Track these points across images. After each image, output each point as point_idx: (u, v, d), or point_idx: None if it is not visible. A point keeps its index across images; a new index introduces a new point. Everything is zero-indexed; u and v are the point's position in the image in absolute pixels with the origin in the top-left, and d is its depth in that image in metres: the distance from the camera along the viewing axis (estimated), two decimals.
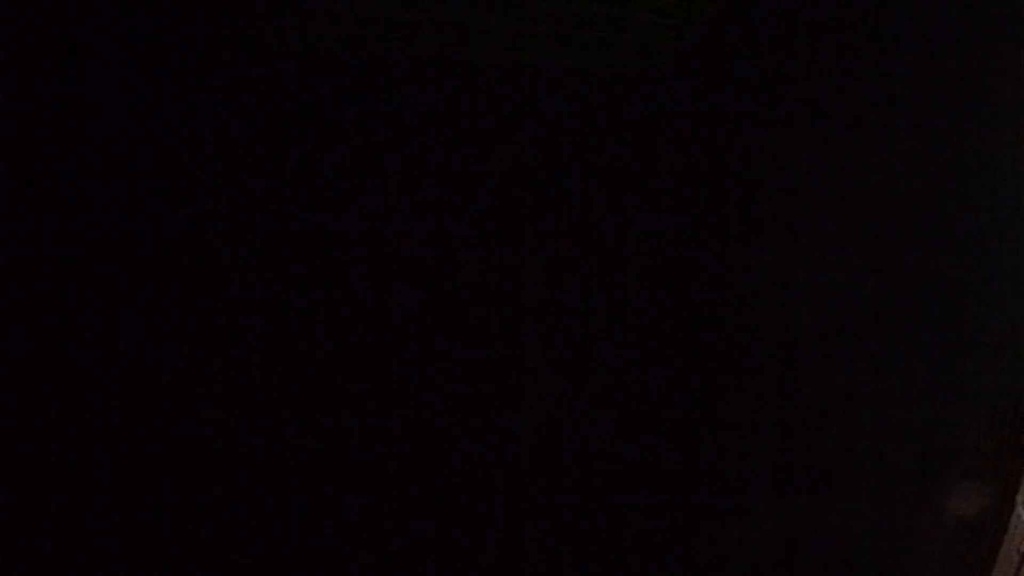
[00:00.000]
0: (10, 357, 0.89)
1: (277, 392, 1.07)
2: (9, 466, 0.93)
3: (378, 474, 1.14)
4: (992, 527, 1.72)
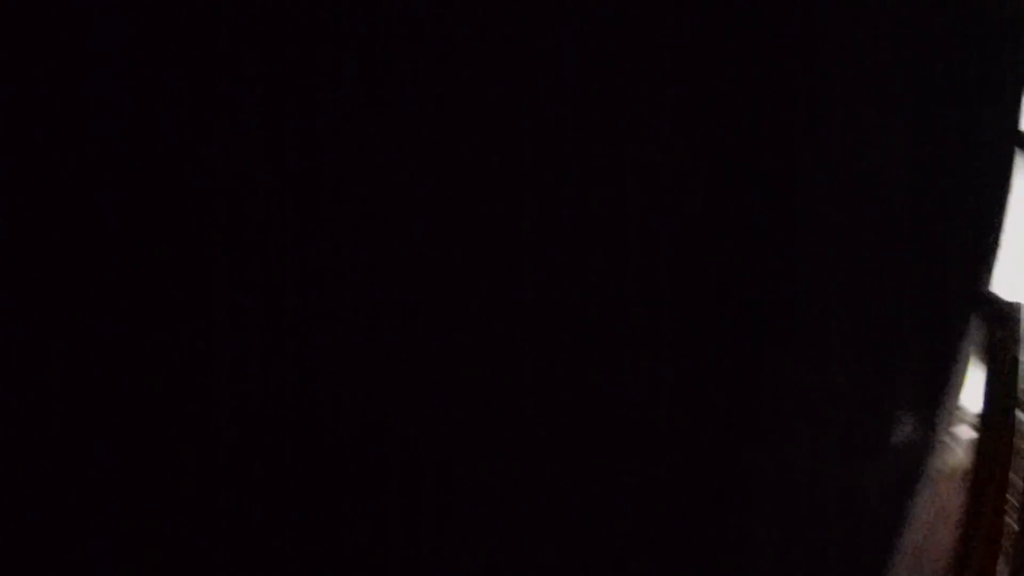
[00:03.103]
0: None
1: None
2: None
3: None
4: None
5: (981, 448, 1.90)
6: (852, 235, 1.54)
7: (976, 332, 1.90)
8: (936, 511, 2.15)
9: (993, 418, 1.90)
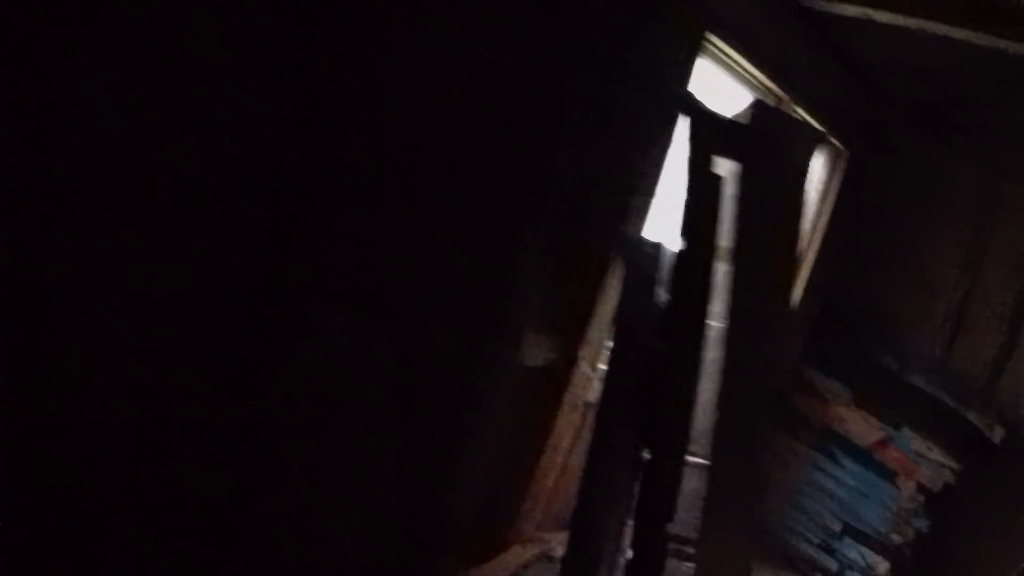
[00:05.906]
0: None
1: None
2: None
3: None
4: (559, 378, 2.08)
5: (610, 380, 2.00)
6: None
7: (621, 268, 1.97)
8: (572, 439, 2.19)
9: (621, 352, 1.99)
